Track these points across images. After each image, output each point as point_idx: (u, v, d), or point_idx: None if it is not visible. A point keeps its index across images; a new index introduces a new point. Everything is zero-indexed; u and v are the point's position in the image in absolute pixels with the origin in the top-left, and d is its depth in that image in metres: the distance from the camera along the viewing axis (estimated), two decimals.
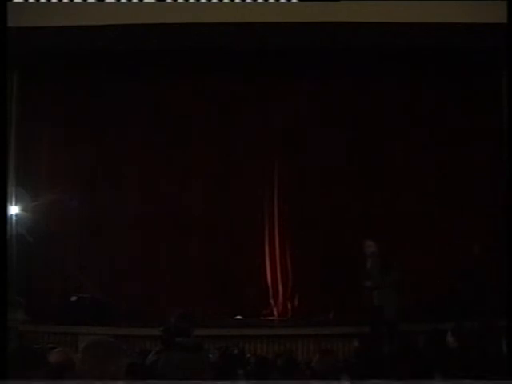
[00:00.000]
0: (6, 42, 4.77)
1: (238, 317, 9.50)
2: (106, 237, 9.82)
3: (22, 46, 8.35)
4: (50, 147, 10.11)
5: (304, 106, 10.09)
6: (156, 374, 4.60)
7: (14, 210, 9.29)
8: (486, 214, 9.50)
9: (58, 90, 10.06)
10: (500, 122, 9.30)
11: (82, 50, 9.28)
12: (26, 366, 2.92)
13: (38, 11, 8.21)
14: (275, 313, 9.82)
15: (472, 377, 4.20)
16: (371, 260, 8.21)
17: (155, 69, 9.83)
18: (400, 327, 7.86)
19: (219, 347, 6.53)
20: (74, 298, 9.07)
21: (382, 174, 9.94)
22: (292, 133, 10.06)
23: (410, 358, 4.64)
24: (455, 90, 9.95)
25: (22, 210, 9.43)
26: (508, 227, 7.90)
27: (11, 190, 9.18)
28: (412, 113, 9.99)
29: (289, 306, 9.85)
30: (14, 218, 9.26)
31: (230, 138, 10.16)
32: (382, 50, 9.34)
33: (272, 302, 9.84)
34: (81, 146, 10.01)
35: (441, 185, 9.84)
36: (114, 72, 9.94)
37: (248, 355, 6.73)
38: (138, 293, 9.59)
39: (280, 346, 8.22)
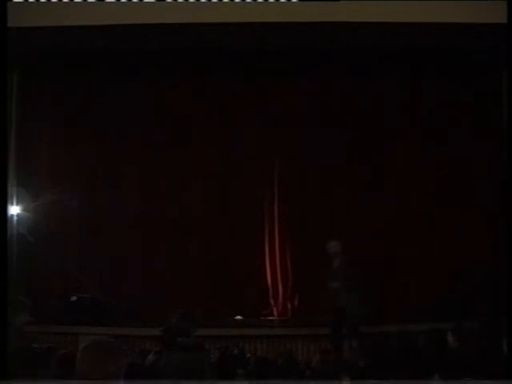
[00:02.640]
0: (6, 42, 4.78)
1: (238, 317, 9.50)
2: (105, 236, 9.81)
3: (22, 45, 8.35)
4: (49, 147, 10.10)
5: (304, 106, 10.09)
6: (156, 374, 4.60)
7: (13, 210, 9.28)
8: (486, 214, 9.51)
9: (58, 90, 10.06)
10: (500, 122, 9.30)
11: (82, 50, 9.28)
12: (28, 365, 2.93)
13: (38, 11, 8.21)
14: (275, 313, 9.82)
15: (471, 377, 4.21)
16: (338, 260, 8.15)
17: (155, 69, 9.82)
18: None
19: (219, 347, 6.54)
20: (74, 298, 9.07)
21: (382, 173, 9.93)
22: (292, 133, 10.06)
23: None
24: (455, 89, 9.95)
25: (22, 210, 9.43)
26: (508, 227, 7.91)
27: (11, 190, 9.17)
28: (412, 113, 9.98)
29: (289, 306, 9.85)
30: (14, 218, 9.25)
31: (230, 137, 10.15)
32: (382, 50, 9.34)
33: (272, 301, 9.84)
34: (81, 145, 10.01)
35: (440, 185, 9.84)
36: (113, 72, 9.94)
37: (248, 355, 6.73)
38: (138, 293, 9.59)
39: (280, 346, 8.22)
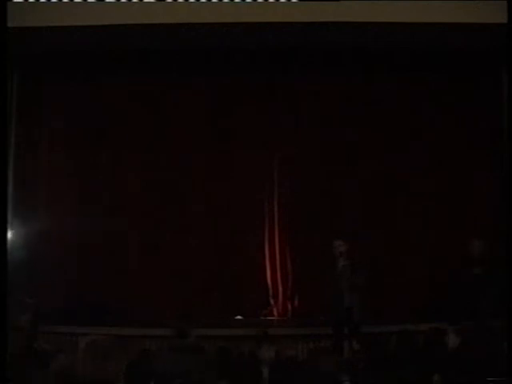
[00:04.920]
0: (6, 42, 4.79)
1: (238, 317, 9.51)
2: (105, 235, 9.79)
3: (22, 45, 8.36)
4: (48, 148, 10.08)
5: (304, 106, 10.09)
6: (156, 375, 4.61)
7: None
8: (486, 213, 9.53)
9: (58, 90, 10.04)
10: (500, 121, 9.30)
11: (82, 50, 9.27)
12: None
13: (38, 11, 8.20)
14: (275, 313, 9.83)
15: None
16: (342, 260, 8.16)
17: (155, 69, 9.82)
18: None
19: (219, 347, 6.53)
20: (75, 299, 9.10)
21: (381, 174, 9.93)
22: (293, 133, 10.07)
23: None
24: (455, 90, 9.95)
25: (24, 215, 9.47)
26: (508, 227, 7.92)
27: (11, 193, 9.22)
28: (411, 112, 9.98)
29: (289, 306, 9.86)
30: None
31: (231, 137, 10.15)
32: (382, 49, 9.34)
33: (272, 301, 9.85)
34: (80, 146, 10.00)
35: (441, 185, 9.84)
36: (113, 72, 9.93)
37: (248, 355, 6.72)
38: (138, 293, 9.58)
39: (280, 345, 8.21)
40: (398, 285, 9.49)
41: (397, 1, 8.34)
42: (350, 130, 10.00)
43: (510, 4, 7.12)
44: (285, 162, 10.08)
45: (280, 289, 9.90)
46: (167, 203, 9.93)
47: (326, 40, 8.95)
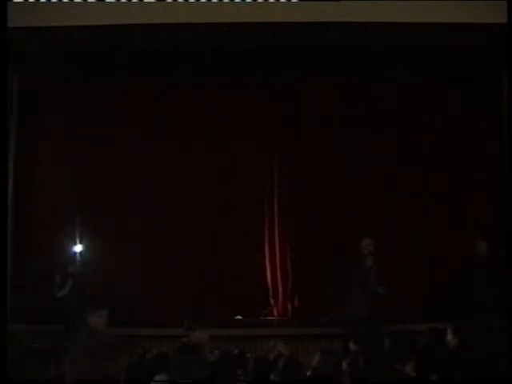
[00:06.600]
0: (6, 42, 4.79)
1: (238, 317, 9.51)
2: (105, 235, 9.78)
3: (22, 45, 8.36)
4: (48, 148, 10.08)
5: (304, 106, 10.10)
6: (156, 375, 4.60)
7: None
8: (486, 213, 9.53)
9: (58, 90, 10.04)
10: (500, 121, 9.31)
11: (82, 50, 9.27)
12: None
13: (38, 11, 8.20)
14: (275, 313, 9.83)
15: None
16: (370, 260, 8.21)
17: (155, 69, 9.82)
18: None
19: (219, 347, 6.54)
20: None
21: (381, 173, 9.93)
22: (292, 133, 10.07)
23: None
24: (455, 89, 9.95)
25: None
26: (508, 227, 7.93)
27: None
28: (411, 112, 9.98)
29: (289, 306, 9.86)
30: None
31: (230, 138, 10.15)
32: (382, 49, 9.34)
33: (272, 301, 9.85)
34: (81, 145, 10.00)
35: (441, 185, 9.85)
36: (114, 72, 9.93)
37: (248, 355, 6.73)
38: (138, 293, 9.57)
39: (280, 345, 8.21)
40: (398, 285, 9.49)
41: (397, 1, 8.34)
42: (350, 130, 10.00)
43: (510, 4, 7.14)
44: (285, 162, 10.09)
45: (280, 289, 9.90)
46: (167, 203, 9.93)
47: (326, 40, 8.95)
